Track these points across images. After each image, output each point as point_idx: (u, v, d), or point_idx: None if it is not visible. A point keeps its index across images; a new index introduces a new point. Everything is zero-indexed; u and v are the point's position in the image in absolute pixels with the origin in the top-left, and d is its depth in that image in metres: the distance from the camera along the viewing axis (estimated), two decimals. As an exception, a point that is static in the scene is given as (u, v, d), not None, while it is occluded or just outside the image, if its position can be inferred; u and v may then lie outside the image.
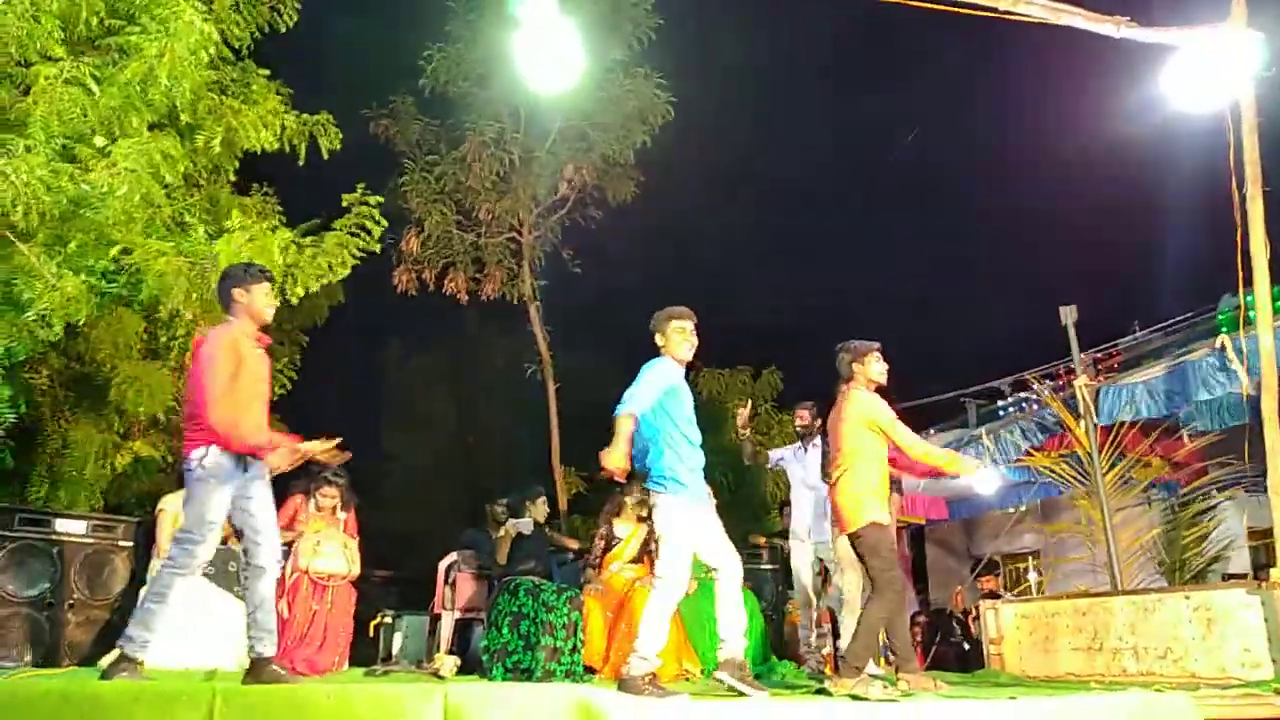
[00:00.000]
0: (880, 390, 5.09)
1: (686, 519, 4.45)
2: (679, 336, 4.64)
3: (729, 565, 4.56)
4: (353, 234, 6.85)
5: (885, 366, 5.11)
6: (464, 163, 11.09)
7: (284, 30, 7.43)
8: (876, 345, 5.12)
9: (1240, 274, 5.45)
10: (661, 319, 4.71)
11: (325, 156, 7.42)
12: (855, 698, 4.10)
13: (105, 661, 4.34)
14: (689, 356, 4.70)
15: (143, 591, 5.79)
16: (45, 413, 7.33)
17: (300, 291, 6.63)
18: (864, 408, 4.93)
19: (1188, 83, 5.51)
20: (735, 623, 4.50)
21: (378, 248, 7.01)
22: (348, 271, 6.91)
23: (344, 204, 6.87)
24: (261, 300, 4.36)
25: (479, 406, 15.65)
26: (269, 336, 4.55)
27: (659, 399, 4.49)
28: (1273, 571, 4.97)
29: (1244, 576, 8.59)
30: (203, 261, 6.33)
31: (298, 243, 6.70)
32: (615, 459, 4.25)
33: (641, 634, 4.33)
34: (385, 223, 6.99)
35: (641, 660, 4.25)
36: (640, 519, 6.67)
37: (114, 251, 5.93)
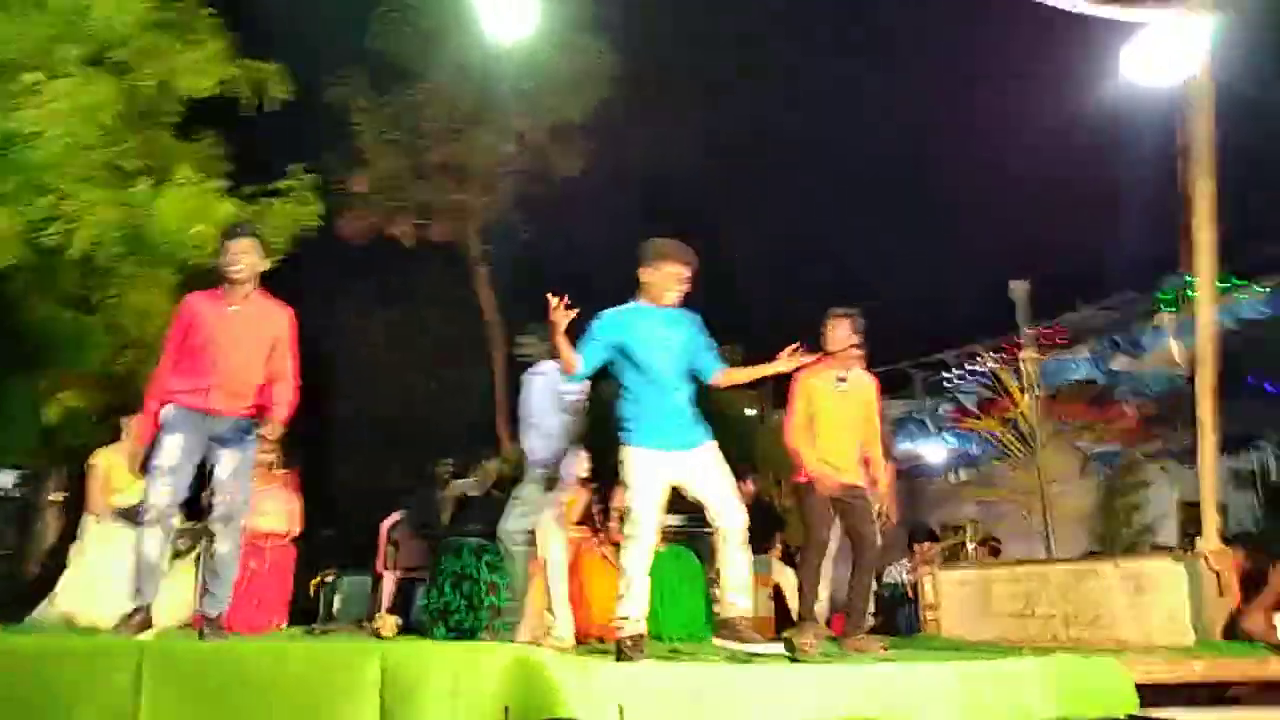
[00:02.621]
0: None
1: (650, 470, 4.11)
2: (670, 281, 4.20)
3: (727, 522, 4.14)
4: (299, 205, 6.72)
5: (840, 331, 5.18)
6: (415, 105, 10.92)
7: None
8: (835, 310, 5.22)
9: (1182, 253, 5.56)
10: (654, 255, 4.22)
11: (274, 106, 7.22)
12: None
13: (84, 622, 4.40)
14: (673, 304, 4.25)
15: (74, 545, 5.70)
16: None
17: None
18: None
19: (1147, 60, 5.56)
20: (734, 579, 4.15)
21: (316, 222, 6.88)
22: (283, 242, 6.81)
23: (282, 187, 6.73)
24: (222, 258, 4.31)
25: (429, 365, 15.48)
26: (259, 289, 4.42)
27: (603, 355, 4.18)
28: (1198, 541, 5.13)
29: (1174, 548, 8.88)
30: (142, 213, 6.13)
31: (240, 215, 6.53)
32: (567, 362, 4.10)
33: (621, 596, 4.04)
34: (320, 206, 6.90)
35: (622, 621, 3.99)
36: (581, 482, 6.63)
37: (48, 200, 5.70)
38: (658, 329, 4.20)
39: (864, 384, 5.32)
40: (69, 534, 5.94)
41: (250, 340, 4.29)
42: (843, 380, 5.21)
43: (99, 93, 5.80)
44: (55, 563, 5.88)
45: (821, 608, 5.87)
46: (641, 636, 3.96)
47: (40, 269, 6.67)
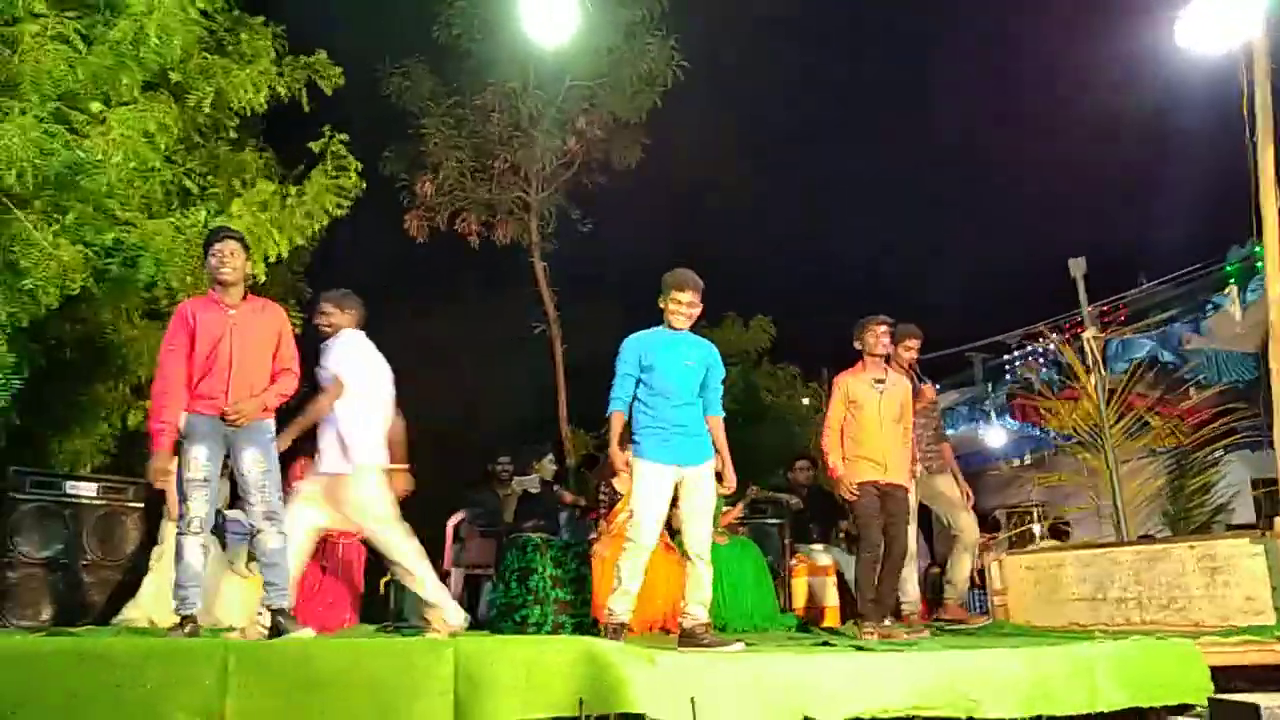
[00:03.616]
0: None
1: (655, 484, 4.53)
2: (674, 306, 4.67)
3: (692, 544, 4.57)
4: (334, 177, 6.81)
5: (879, 338, 5.45)
6: (484, 111, 11.04)
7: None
8: (876, 319, 5.49)
9: (1255, 224, 5.40)
10: (664, 285, 4.72)
11: (329, 92, 7.35)
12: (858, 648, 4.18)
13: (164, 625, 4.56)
14: (684, 327, 4.71)
15: (154, 551, 5.91)
16: (52, 377, 7.33)
17: (283, 246, 6.60)
18: None
19: (1202, 28, 5.43)
20: (696, 591, 4.53)
21: (353, 184, 6.94)
22: (327, 221, 6.92)
23: (315, 148, 6.82)
24: (210, 261, 4.41)
25: (486, 365, 15.65)
26: (255, 295, 4.59)
27: (637, 376, 4.62)
28: (1277, 520, 4.98)
29: (1249, 527, 8.63)
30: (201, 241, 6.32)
31: (279, 193, 6.66)
32: (616, 458, 4.58)
33: (614, 591, 4.53)
34: (359, 164, 6.96)
35: (609, 613, 4.50)
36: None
37: (113, 234, 5.89)
38: (677, 351, 4.68)
39: (901, 385, 5.57)
40: (149, 540, 6.15)
41: (256, 341, 4.40)
42: (880, 382, 5.44)
43: (160, 117, 5.97)
44: (137, 569, 6.08)
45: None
46: (623, 626, 4.44)
47: (105, 293, 6.89)
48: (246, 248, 4.58)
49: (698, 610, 4.50)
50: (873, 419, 5.34)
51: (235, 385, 4.28)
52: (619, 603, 4.52)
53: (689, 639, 4.42)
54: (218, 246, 4.40)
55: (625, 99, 11.11)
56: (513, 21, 9.90)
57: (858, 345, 5.50)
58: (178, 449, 4.24)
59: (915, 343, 6.24)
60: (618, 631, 4.39)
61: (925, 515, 6.44)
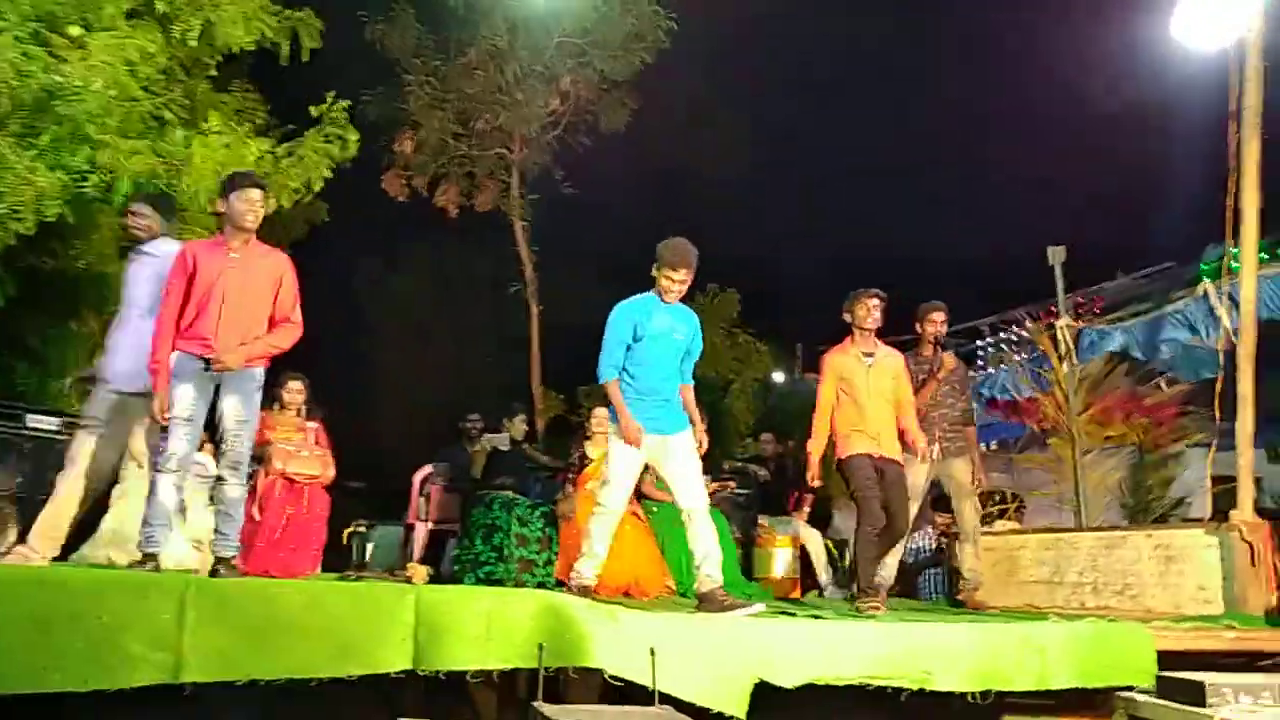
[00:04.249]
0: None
1: (634, 452, 4.57)
2: (666, 283, 4.66)
3: (689, 502, 4.60)
4: (328, 141, 6.71)
5: (870, 310, 5.32)
6: (469, 69, 10.88)
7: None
8: (868, 291, 5.36)
9: (1229, 220, 5.44)
10: (660, 257, 4.67)
11: (305, 57, 7.23)
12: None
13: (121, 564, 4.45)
14: (674, 302, 4.72)
15: (115, 489, 5.84)
16: (25, 308, 7.21)
17: (276, 203, 6.49)
18: None
19: (1196, 23, 5.43)
20: (707, 552, 4.51)
21: (353, 153, 6.86)
22: (321, 185, 6.81)
23: (315, 113, 6.70)
24: (237, 207, 4.32)
25: (461, 323, 15.58)
26: (261, 240, 4.49)
27: (629, 343, 4.62)
28: (1232, 514, 5.08)
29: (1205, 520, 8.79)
30: (177, 163, 6.19)
31: (274, 153, 6.54)
32: (630, 427, 4.52)
33: (583, 555, 4.60)
34: (357, 134, 6.84)
35: (577, 574, 4.58)
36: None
37: (86, 153, 5.75)
38: (665, 321, 4.69)
39: (892, 358, 5.45)
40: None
41: (254, 287, 4.32)
42: (869, 355, 5.33)
43: (142, 45, 5.83)
44: (97, 506, 6.02)
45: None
46: (589, 588, 4.52)
47: (83, 221, 6.77)
48: (266, 194, 4.52)
49: (713, 570, 4.47)
50: (862, 392, 5.23)
51: (225, 330, 4.22)
52: (586, 565, 4.57)
53: (708, 601, 4.38)
54: (249, 193, 4.32)
55: (613, 57, 10.99)
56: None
57: (846, 318, 5.38)
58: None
59: (939, 316, 6.07)
60: (584, 593, 4.41)
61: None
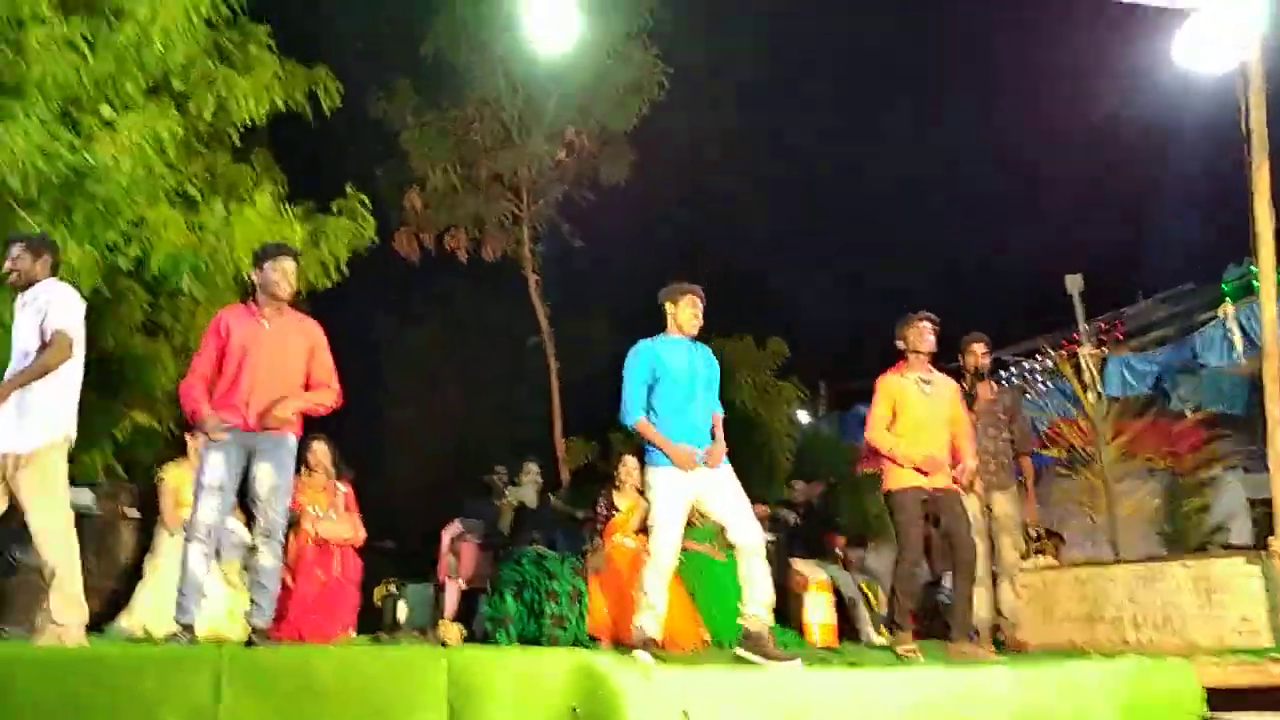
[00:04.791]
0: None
1: (672, 490, 4.47)
2: (690, 310, 4.68)
3: (744, 538, 4.48)
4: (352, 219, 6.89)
5: (923, 334, 5.22)
6: (465, 121, 11.10)
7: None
8: (921, 315, 5.27)
9: (1250, 242, 5.42)
10: (674, 291, 4.74)
11: (326, 114, 7.41)
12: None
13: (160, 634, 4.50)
14: (695, 330, 4.74)
15: (149, 560, 5.90)
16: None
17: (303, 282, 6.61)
18: None
19: (1199, 47, 5.46)
20: (758, 591, 4.43)
21: (371, 240, 7.03)
22: (342, 260, 6.98)
23: (339, 205, 6.87)
24: (271, 276, 4.42)
25: (480, 376, 15.64)
26: (295, 308, 4.62)
27: (650, 383, 4.59)
28: (1272, 541, 4.99)
29: (1246, 548, 8.63)
30: (213, 236, 6.34)
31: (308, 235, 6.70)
32: (681, 455, 4.43)
33: (639, 609, 4.43)
34: (374, 220, 7.03)
35: (638, 630, 4.37)
36: (639, 491, 6.71)
37: (124, 223, 5.90)
38: (685, 356, 4.66)
39: (948, 385, 5.33)
40: (145, 549, 6.14)
41: (286, 353, 4.40)
42: (927, 382, 5.19)
43: (164, 122, 6.00)
44: (132, 577, 6.07)
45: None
46: (652, 641, 4.35)
47: (112, 298, 6.91)
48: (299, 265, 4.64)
49: (760, 611, 4.39)
50: (921, 418, 5.09)
51: (258, 398, 4.29)
52: (646, 618, 4.38)
53: (752, 641, 4.32)
54: (281, 262, 4.43)
55: (612, 108, 11.18)
56: (498, 34, 10.06)
57: (900, 344, 5.25)
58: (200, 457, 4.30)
59: (979, 347, 5.99)
60: (647, 647, 4.28)
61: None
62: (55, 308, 4.06)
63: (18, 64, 5.65)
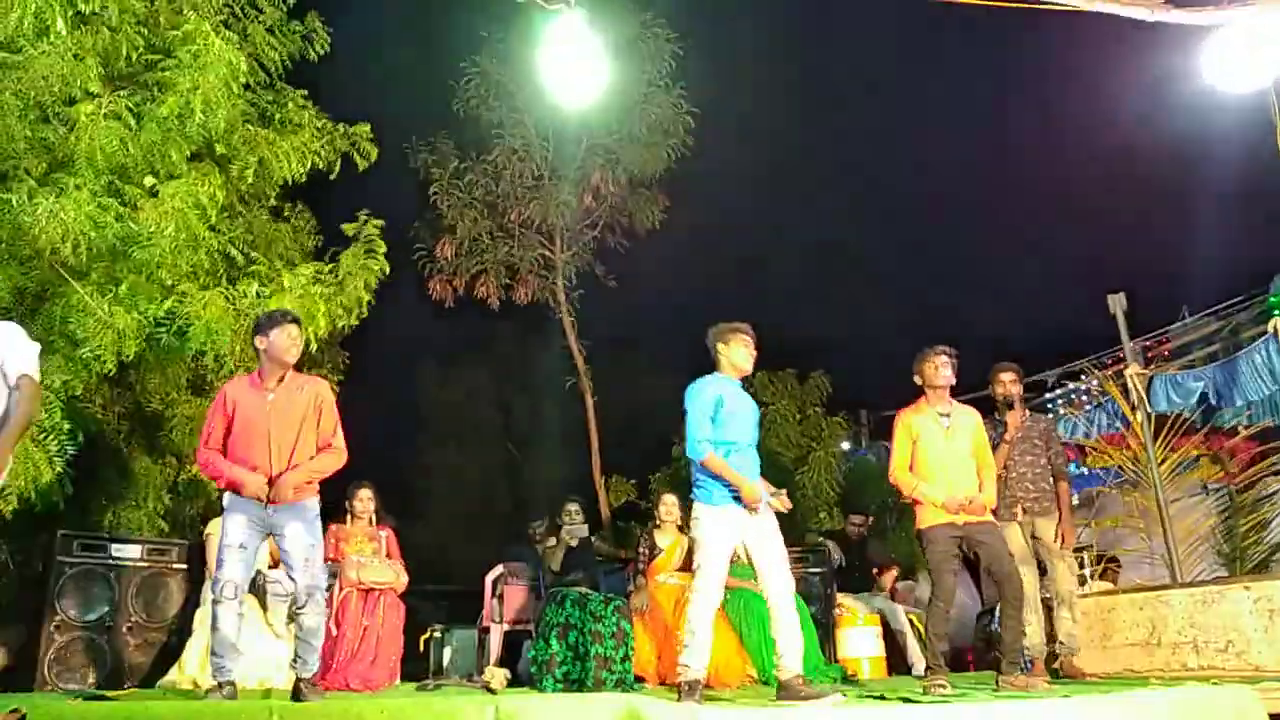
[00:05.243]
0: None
1: (720, 529, 4.46)
2: (743, 350, 4.71)
3: (774, 584, 4.48)
4: (369, 254, 6.94)
5: (939, 369, 5.15)
6: (494, 170, 11.32)
7: (315, 59, 7.56)
8: (935, 349, 5.21)
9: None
10: (724, 331, 4.76)
11: (364, 169, 7.55)
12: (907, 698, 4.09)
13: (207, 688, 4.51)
14: (749, 368, 4.77)
15: (198, 613, 5.97)
16: (103, 443, 7.49)
17: (324, 328, 6.68)
18: None
19: (1227, 64, 5.39)
20: (789, 641, 4.41)
21: (384, 269, 7.06)
22: (365, 311, 7.04)
23: (349, 232, 6.96)
24: (279, 343, 4.44)
25: (518, 419, 15.71)
26: (301, 373, 4.65)
27: (712, 419, 4.57)
28: (1336, 559, 4.84)
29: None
30: (253, 314, 6.46)
31: (319, 276, 6.76)
32: (754, 491, 4.46)
33: (686, 646, 4.39)
34: (384, 247, 7.05)
35: (684, 668, 4.34)
36: (680, 529, 6.69)
37: (168, 304, 6.05)
38: (737, 395, 4.71)
39: (968, 416, 5.21)
40: (193, 602, 6.22)
41: (294, 421, 4.42)
42: (946, 416, 5.11)
43: (206, 189, 6.16)
44: (181, 630, 6.15)
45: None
46: (699, 682, 4.32)
47: (160, 360, 7.04)
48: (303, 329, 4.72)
49: (792, 662, 4.37)
50: (941, 455, 5.02)
51: (271, 471, 4.34)
52: (693, 657, 4.33)
53: (786, 691, 4.30)
54: (290, 329, 4.45)
55: (640, 152, 11.32)
56: (526, 84, 10.25)
57: (917, 379, 5.21)
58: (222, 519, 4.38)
59: (1008, 376, 5.90)
60: (693, 688, 4.26)
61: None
62: (13, 351, 3.72)
63: (68, 139, 5.86)
